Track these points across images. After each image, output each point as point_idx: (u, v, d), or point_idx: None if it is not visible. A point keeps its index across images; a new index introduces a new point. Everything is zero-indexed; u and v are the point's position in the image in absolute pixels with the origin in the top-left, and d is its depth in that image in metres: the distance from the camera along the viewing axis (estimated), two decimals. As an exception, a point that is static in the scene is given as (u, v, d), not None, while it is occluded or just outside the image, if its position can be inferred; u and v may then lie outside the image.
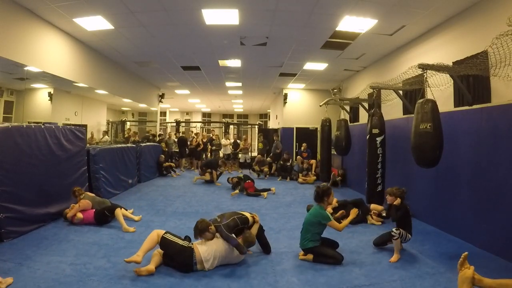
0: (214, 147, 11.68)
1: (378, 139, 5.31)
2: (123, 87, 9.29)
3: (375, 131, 5.34)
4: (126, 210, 4.91)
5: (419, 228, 4.81)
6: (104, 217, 4.53)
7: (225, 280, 2.94)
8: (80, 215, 4.48)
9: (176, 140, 12.25)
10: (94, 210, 4.63)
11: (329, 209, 4.30)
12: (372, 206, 4.98)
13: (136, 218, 4.82)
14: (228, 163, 11.51)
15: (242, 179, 7.51)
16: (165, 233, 3.21)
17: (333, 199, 3.82)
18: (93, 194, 5.22)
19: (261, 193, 7.11)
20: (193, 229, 3.26)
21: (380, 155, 5.30)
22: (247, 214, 3.68)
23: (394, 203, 3.81)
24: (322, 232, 3.58)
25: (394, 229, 3.64)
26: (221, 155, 11.73)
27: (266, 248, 3.66)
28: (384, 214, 4.06)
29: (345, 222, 3.66)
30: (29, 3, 4.79)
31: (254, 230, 3.57)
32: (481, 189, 3.96)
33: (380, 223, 4.93)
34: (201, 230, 3.21)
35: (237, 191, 7.28)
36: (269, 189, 7.39)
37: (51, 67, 5.78)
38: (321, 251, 3.47)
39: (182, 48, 7.14)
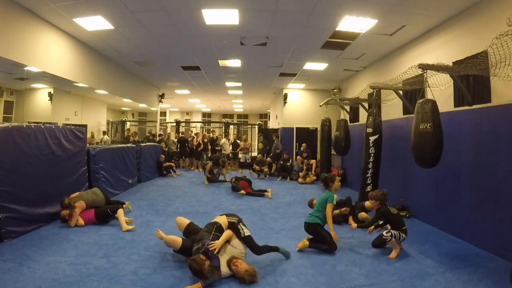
0: (218, 147, 11.72)
1: (371, 138, 5.31)
2: (123, 87, 9.29)
3: (369, 130, 5.34)
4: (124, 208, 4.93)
5: (419, 228, 4.82)
6: (106, 216, 4.53)
7: (225, 280, 2.93)
8: (81, 221, 4.45)
9: (175, 140, 12.26)
10: (93, 209, 4.62)
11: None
12: (361, 214, 4.73)
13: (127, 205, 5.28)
14: (228, 163, 11.51)
15: (239, 179, 7.57)
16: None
17: (338, 184, 4.12)
18: (78, 193, 4.89)
19: (263, 193, 7.11)
20: (193, 273, 2.83)
21: (372, 154, 5.30)
22: (220, 220, 3.31)
23: (366, 206, 3.96)
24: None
25: (384, 232, 3.67)
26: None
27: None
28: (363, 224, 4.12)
29: (331, 225, 3.84)
30: (29, 3, 4.79)
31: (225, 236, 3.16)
32: (481, 189, 3.96)
33: (355, 225, 4.57)
34: (201, 270, 2.78)
35: (243, 191, 7.13)
36: (265, 190, 7.25)
37: (51, 67, 5.78)
38: (322, 232, 3.81)
39: (182, 48, 7.14)
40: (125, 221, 4.52)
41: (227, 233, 3.17)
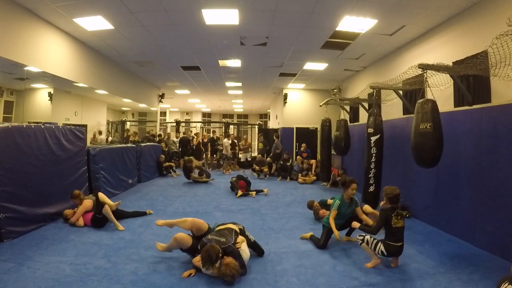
0: (219, 147, 11.76)
1: (373, 138, 5.30)
2: (123, 87, 9.29)
3: (370, 130, 5.34)
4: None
5: (419, 228, 4.82)
6: (99, 221, 4.41)
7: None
8: (81, 222, 4.45)
9: (175, 140, 12.28)
10: (92, 213, 4.55)
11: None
12: (365, 207, 4.46)
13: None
14: (228, 162, 11.52)
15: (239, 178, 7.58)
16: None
17: (352, 193, 3.93)
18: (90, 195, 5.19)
19: (250, 192, 7.12)
20: (205, 258, 2.88)
21: (374, 154, 5.29)
22: (233, 226, 3.46)
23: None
24: (338, 220, 3.96)
25: (358, 235, 3.49)
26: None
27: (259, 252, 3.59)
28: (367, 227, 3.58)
29: (332, 226, 3.84)
30: (29, 3, 4.79)
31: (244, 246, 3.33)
32: (481, 189, 3.96)
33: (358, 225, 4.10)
34: (216, 259, 2.87)
35: (240, 191, 7.08)
36: (262, 190, 7.28)
37: (51, 67, 5.78)
38: (323, 231, 4.00)
39: (182, 48, 7.14)
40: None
41: (242, 238, 3.37)
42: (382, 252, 3.23)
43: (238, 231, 3.43)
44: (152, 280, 2.90)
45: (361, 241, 3.40)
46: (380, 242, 3.26)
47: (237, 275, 2.87)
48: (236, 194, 7.04)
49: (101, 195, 4.62)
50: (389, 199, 3.34)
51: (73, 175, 5.23)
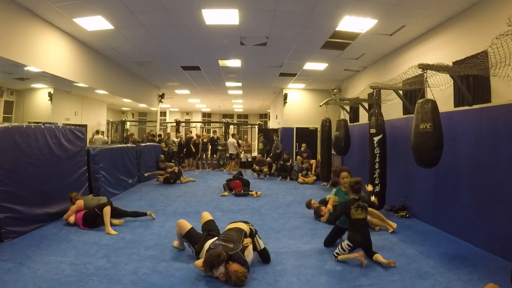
0: (220, 147, 11.74)
1: (376, 138, 5.31)
2: (123, 87, 9.29)
3: (372, 130, 5.35)
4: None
5: (419, 228, 4.82)
6: (92, 218, 4.32)
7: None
8: (72, 219, 4.42)
9: (175, 140, 12.28)
10: (84, 211, 4.48)
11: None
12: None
13: (117, 222, 4.58)
14: (230, 162, 11.53)
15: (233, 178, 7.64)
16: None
17: (343, 181, 4.23)
18: (90, 196, 5.19)
19: (250, 192, 7.15)
20: (206, 261, 2.84)
21: (378, 155, 5.29)
22: (244, 226, 3.37)
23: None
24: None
25: (334, 253, 3.55)
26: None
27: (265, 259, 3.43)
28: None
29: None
30: (29, 3, 4.78)
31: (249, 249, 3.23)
32: (481, 189, 3.96)
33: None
34: (217, 265, 2.82)
35: (226, 192, 7.24)
36: (255, 192, 7.17)
37: (51, 67, 5.78)
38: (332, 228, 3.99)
39: (182, 48, 7.14)
40: (117, 223, 4.52)
41: (249, 239, 3.25)
42: (348, 245, 3.36)
43: (247, 232, 3.31)
44: (152, 280, 2.90)
45: (335, 258, 3.44)
46: (344, 241, 3.49)
47: (246, 281, 2.84)
48: (223, 192, 7.23)
49: (106, 210, 4.39)
50: (351, 187, 3.59)
51: (73, 175, 5.24)
